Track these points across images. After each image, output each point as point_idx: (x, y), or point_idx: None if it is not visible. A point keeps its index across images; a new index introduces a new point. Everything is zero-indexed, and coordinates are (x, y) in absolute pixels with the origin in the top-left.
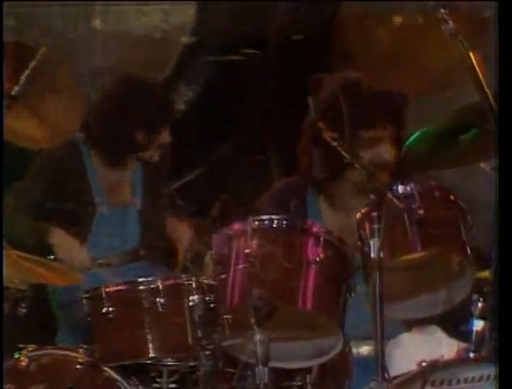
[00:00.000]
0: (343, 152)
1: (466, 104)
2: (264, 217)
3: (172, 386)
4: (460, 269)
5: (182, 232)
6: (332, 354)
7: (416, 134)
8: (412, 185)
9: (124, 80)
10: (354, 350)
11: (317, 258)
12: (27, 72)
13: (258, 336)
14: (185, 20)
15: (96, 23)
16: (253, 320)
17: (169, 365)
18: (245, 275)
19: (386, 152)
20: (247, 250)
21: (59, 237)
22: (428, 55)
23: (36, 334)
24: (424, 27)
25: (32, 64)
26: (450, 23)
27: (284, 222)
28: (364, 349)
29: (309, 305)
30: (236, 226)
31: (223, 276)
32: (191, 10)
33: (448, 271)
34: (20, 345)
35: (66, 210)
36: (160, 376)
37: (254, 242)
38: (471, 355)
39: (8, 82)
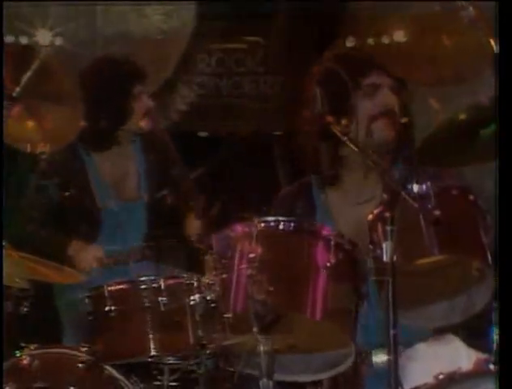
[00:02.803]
0: (353, 146)
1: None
2: (270, 219)
3: (173, 384)
4: (480, 274)
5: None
6: (344, 367)
7: (434, 128)
8: (428, 183)
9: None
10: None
11: (328, 263)
12: (29, 73)
13: (261, 347)
14: (186, 20)
15: (97, 23)
16: (256, 329)
17: (170, 364)
18: (249, 280)
19: (388, 97)
20: (252, 254)
21: (77, 249)
22: (446, 45)
23: (38, 333)
24: (444, 17)
25: (35, 65)
26: (470, 9)
27: (292, 224)
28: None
29: (318, 315)
30: (240, 227)
31: (224, 276)
32: (191, 10)
33: (467, 277)
34: (22, 344)
35: (73, 213)
36: (161, 374)
37: (259, 246)
38: (492, 367)
39: (9, 83)
